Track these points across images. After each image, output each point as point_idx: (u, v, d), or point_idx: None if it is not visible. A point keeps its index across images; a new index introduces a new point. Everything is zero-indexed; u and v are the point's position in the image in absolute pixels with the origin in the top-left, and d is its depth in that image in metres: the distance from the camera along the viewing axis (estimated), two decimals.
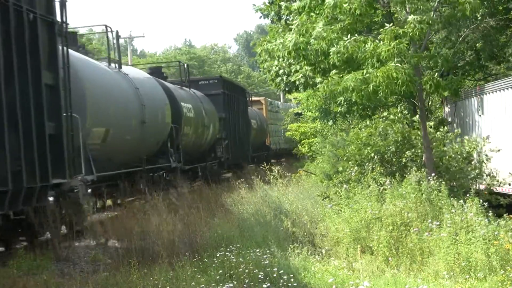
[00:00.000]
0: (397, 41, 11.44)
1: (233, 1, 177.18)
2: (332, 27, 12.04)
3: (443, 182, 11.63)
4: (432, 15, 11.85)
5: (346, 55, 11.74)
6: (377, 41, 11.83)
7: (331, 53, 11.96)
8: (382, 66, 11.56)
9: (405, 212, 10.54)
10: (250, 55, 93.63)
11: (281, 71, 19.80)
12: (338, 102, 14.78)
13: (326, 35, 11.90)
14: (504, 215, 10.86)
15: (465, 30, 15.21)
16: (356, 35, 11.93)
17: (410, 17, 11.59)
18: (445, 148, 14.18)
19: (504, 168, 14.01)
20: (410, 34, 11.43)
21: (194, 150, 24.23)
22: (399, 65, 11.46)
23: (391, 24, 11.81)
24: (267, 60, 20.02)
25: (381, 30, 11.94)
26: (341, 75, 12.11)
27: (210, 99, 27.13)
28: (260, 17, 23.31)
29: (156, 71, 23.89)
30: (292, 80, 15.94)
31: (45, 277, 9.94)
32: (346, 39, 11.80)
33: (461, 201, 10.78)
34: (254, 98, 42.11)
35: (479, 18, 15.46)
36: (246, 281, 8.27)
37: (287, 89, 22.71)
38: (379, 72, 11.38)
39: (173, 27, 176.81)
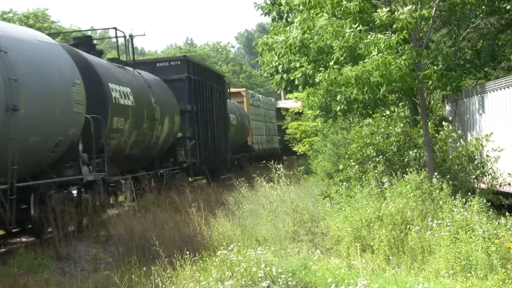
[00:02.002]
0: (397, 33, 11.45)
1: (234, 0, 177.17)
2: (335, 21, 12.06)
3: (444, 181, 11.62)
4: (432, 12, 11.86)
5: (349, 45, 11.69)
6: (379, 35, 11.85)
7: (334, 47, 11.91)
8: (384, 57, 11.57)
9: (406, 211, 10.54)
10: (251, 54, 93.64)
11: (280, 68, 19.50)
12: (338, 99, 14.77)
13: (331, 27, 11.88)
14: (506, 214, 10.85)
15: (465, 29, 15.21)
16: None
17: (406, 8, 11.60)
18: (446, 147, 14.18)
19: (505, 167, 13.99)
20: (405, 21, 11.39)
21: (139, 153, 17.95)
22: (397, 57, 11.47)
23: (387, 10, 11.79)
24: (266, 54, 19.41)
25: (374, 14, 11.92)
26: (341, 67, 12.09)
27: (171, 85, 21.39)
28: (261, 14, 23.24)
29: (83, 42, 17.19)
30: (291, 78, 15.89)
31: (46, 276, 9.94)
32: (348, 31, 11.79)
33: (463, 199, 10.77)
34: (232, 90, 35.81)
35: (481, 16, 15.46)
36: (246, 279, 8.26)
37: (288, 88, 22.60)
38: (377, 57, 11.37)
39: (174, 25, 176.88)
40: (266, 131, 41.31)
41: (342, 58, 12.00)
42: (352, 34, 11.67)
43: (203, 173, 24.57)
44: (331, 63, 12.28)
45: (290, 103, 51.97)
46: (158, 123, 18.81)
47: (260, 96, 43.98)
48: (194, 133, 22.51)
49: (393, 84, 11.92)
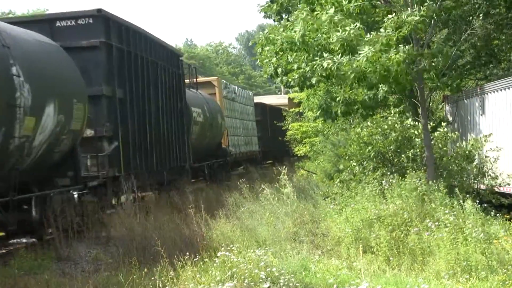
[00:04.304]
0: (398, 31, 11.45)
1: (234, 1, 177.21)
2: (337, 16, 12.06)
3: (442, 182, 11.64)
4: (435, 7, 11.87)
5: (349, 39, 11.67)
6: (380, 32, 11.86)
7: (334, 39, 11.89)
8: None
9: (404, 212, 10.55)
10: (251, 55, 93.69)
11: (279, 70, 19.19)
12: (337, 100, 14.75)
13: (333, 23, 11.86)
14: (498, 214, 10.89)
15: (463, 31, 15.25)
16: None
17: (412, 9, 11.59)
18: (446, 148, 14.21)
19: (505, 168, 14.01)
20: (413, 23, 11.39)
21: None
22: (394, 53, 11.47)
23: (394, 14, 11.77)
24: (265, 52, 18.43)
25: (385, 19, 11.90)
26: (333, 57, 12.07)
27: (78, 56, 13.95)
28: (264, 16, 23.05)
29: None
30: (289, 80, 15.83)
31: (47, 277, 9.95)
32: (349, 28, 11.78)
33: (461, 201, 10.79)
34: (201, 79, 29.32)
35: (481, 17, 15.48)
36: (247, 280, 8.27)
37: (290, 86, 22.37)
38: (369, 52, 11.36)
39: (174, 26, 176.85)
40: (243, 131, 33.97)
41: (340, 51, 11.97)
42: (353, 30, 11.66)
43: (139, 189, 16.48)
44: (326, 55, 12.24)
45: (270, 99, 47.72)
46: (27, 113, 11.08)
47: (236, 87, 35.11)
48: (117, 131, 14.90)
49: (390, 82, 11.91)
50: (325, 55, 12.11)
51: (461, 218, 9.74)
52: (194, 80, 25.62)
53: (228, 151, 28.39)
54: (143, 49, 17.11)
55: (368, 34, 11.84)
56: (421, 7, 11.54)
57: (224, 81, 32.84)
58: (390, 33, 11.42)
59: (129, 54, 15.94)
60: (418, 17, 11.28)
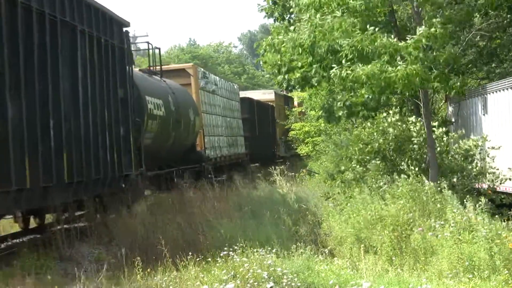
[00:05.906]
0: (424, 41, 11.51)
1: (237, 1, 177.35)
2: (345, 17, 12.06)
3: (445, 181, 11.64)
4: (451, 12, 11.91)
5: (359, 47, 11.68)
6: (390, 37, 11.87)
7: (344, 46, 11.87)
8: (394, 60, 11.60)
9: (405, 212, 10.55)
10: (254, 55, 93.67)
11: (282, 68, 18.94)
12: (339, 105, 14.78)
13: (340, 27, 11.87)
14: (507, 214, 10.89)
15: (463, 29, 15.27)
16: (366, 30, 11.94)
17: (435, 20, 11.64)
18: (446, 147, 14.23)
19: (506, 167, 14.00)
20: (440, 37, 11.50)
21: None
22: (414, 65, 11.52)
23: (418, 29, 11.82)
24: (268, 54, 17.86)
25: (412, 35, 11.95)
26: (351, 67, 12.08)
27: None
28: (265, 16, 22.96)
29: None
30: (291, 77, 15.78)
31: (49, 277, 9.96)
32: (358, 33, 11.78)
33: (464, 200, 10.79)
34: (173, 66, 26.07)
35: (482, 15, 15.49)
36: (251, 281, 8.27)
37: (289, 88, 22.42)
38: (400, 72, 11.39)
39: (177, 26, 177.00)
40: (227, 130, 28.39)
41: (350, 56, 11.95)
42: (362, 36, 11.66)
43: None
44: (343, 61, 12.23)
45: (255, 94, 45.92)
46: None
47: (217, 78, 29.25)
48: None
49: (412, 87, 11.98)
50: (343, 62, 12.09)
51: (467, 218, 9.74)
52: (158, 65, 20.76)
53: (203, 155, 22.85)
54: (46, 2, 11.01)
55: (388, 35, 11.87)
56: (439, 24, 11.61)
57: (202, 69, 26.94)
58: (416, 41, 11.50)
59: (12, 4, 9.90)
60: (439, 30, 11.42)
